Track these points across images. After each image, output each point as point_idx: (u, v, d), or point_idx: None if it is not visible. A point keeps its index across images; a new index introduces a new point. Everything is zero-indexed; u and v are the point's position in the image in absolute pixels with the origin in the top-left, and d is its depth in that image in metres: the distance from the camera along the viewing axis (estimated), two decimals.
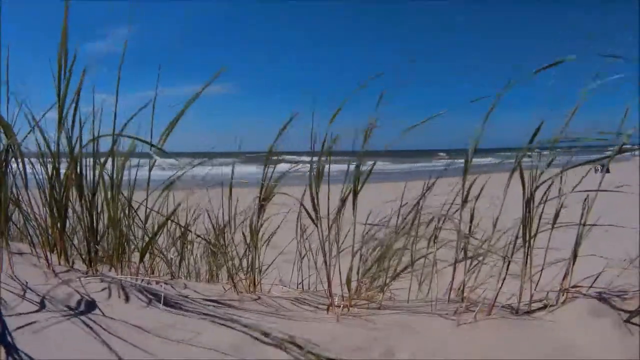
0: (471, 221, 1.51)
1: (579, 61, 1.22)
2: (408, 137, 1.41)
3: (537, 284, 1.40)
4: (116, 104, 1.47)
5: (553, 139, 1.29)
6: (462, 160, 1.38)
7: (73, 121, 1.48)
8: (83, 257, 1.59)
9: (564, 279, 1.35)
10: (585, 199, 1.33)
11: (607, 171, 1.32)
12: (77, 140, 1.49)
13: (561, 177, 1.31)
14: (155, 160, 1.42)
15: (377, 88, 1.42)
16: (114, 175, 1.52)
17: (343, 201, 1.50)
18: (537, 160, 1.33)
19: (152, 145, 1.34)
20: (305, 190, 1.50)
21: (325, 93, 1.48)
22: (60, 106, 1.44)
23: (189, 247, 2.12)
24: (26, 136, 1.47)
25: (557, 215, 1.35)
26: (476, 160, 1.40)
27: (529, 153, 1.32)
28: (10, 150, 1.39)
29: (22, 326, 1.02)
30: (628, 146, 1.23)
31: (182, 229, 2.05)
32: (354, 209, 1.49)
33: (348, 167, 1.48)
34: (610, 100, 1.28)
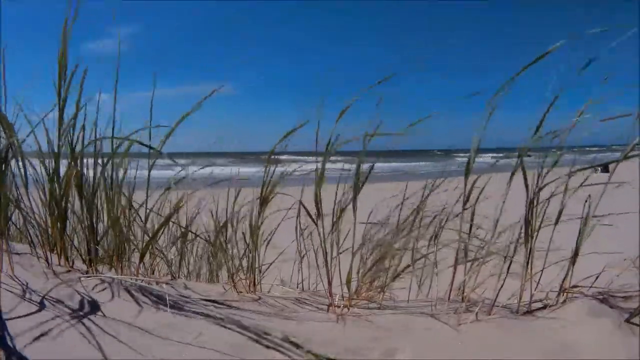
0: (472, 221, 1.51)
1: (583, 61, 1.22)
2: (411, 137, 1.40)
3: (538, 283, 1.39)
4: (114, 105, 1.48)
5: (559, 146, 1.29)
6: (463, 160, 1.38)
7: (74, 121, 1.48)
8: (83, 257, 1.59)
9: (564, 279, 1.35)
10: (587, 200, 1.33)
11: (607, 171, 1.31)
12: (77, 141, 1.50)
13: (568, 179, 1.31)
14: (154, 161, 1.43)
15: (379, 87, 1.42)
16: (114, 175, 1.52)
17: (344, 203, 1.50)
18: (541, 160, 1.32)
19: (150, 148, 1.34)
20: (303, 191, 1.50)
21: (326, 92, 1.47)
22: (61, 106, 1.44)
23: (189, 247, 2.12)
24: (27, 136, 1.47)
25: (559, 216, 1.35)
26: (478, 160, 1.39)
27: (530, 153, 1.32)
28: (10, 149, 1.39)
29: (22, 327, 1.02)
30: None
31: (182, 229, 2.05)
32: (354, 209, 1.49)
33: (352, 166, 1.48)
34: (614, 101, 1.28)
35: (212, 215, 1.94)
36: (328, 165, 1.46)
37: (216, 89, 1.42)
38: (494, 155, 1.41)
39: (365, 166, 1.49)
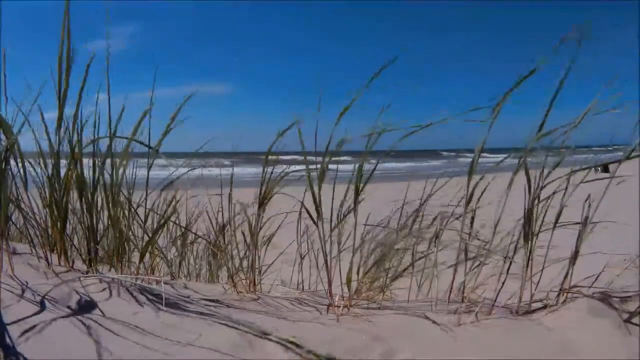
0: (472, 222, 1.51)
1: (586, 61, 1.22)
2: (412, 137, 1.40)
3: (538, 283, 1.39)
4: (109, 106, 1.47)
5: (560, 146, 1.29)
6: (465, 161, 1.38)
7: (74, 122, 1.48)
8: (83, 257, 1.59)
9: (564, 279, 1.35)
10: (587, 199, 1.33)
11: (607, 171, 1.31)
12: (77, 141, 1.49)
13: (568, 179, 1.31)
14: (153, 161, 1.43)
15: (379, 85, 1.41)
16: (114, 175, 1.52)
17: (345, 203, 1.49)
18: (542, 160, 1.32)
19: (149, 147, 1.34)
20: (306, 191, 1.50)
21: (326, 92, 1.47)
22: (60, 106, 1.44)
23: (189, 247, 2.12)
24: (20, 132, 1.47)
25: (559, 215, 1.35)
26: (489, 160, 1.39)
27: (534, 154, 1.31)
28: (10, 150, 1.39)
29: (22, 326, 1.02)
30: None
31: (182, 229, 2.05)
32: (355, 209, 1.49)
33: (354, 167, 1.47)
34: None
35: (212, 216, 1.94)
36: (332, 165, 1.45)
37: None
38: (505, 155, 1.41)
39: (368, 166, 1.49)
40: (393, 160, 21.94)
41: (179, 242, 2.07)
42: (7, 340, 0.95)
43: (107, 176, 1.53)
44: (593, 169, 1.33)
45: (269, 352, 1.07)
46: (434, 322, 1.27)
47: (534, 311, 1.32)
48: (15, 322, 1.03)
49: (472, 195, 1.40)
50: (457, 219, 1.56)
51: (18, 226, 1.85)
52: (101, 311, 1.17)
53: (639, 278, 1.39)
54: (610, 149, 1.47)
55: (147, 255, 1.74)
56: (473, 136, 1.36)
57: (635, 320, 1.17)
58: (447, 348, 1.14)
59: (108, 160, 1.52)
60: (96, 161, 1.53)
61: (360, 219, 1.51)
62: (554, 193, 1.33)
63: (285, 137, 1.50)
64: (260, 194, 1.62)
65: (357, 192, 1.48)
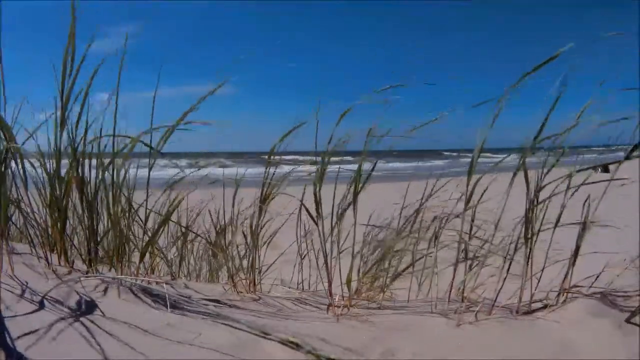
0: (472, 221, 1.51)
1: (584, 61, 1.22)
2: (415, 137, 1.40)
3: (538, 283, 1.39)
4: (116, 107, 1.47)
5: (559, 146, 1.29)
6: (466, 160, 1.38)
7: (77, 122, 1.48)
8: (83, 257, 1.59)
9: (564, 279, 1.35)
10: (587, 200, 1.33)
11: (607, 171, 1.31)
12: (79, 141, 1.49)
13: (569, 180, 1.31)
14: (154, 161, 1.43)
15: (378, 86, 1.42)
16: (114, 176, 1.52)
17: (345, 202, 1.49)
18: (541, 160, 1.32)
19: (151, 148, 1.34)
20: (305, 191, 1.50)
21: (327, 92, 1.47)
22: (63, 106, 1.44)
23: (189, 246, 2.13)
24: (26, 140, 1.47)
25: (559, 216, 1.35)
26: (481, 160, 1.39)
27: (533, 153, 1.31)
28: (10, 150, 1.38)
29: (22, 327, 1.02)
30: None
31: (183, 229, 2.05)
32: (354, 209, 1.49)
33: (358, 167, 1.48)
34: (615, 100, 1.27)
35: (213, 216, 1.94)
36: (335, 167, 1.45)
37: (221, 84, 1.40)
38: (506, 155, 1.41)
39: (368, 166, 1.49)
40: (397, 160, 22.45)
41: (179, 242, 2.07)
42: (7, 340, 0.95)
43: (108, 176, 1.53)
44: (593, 169, 1.33)
45: (269, 352, 1.07)
46: (434, 322, 1.27)
47: (534, 311, 1.32)
48: (15, 322, 1.03)
49: (471, 194, 1.40)
50: (456, 217, 1.56)
51: (18, 226, 1.85)
52: (101, 311, 1.17)
53: (639, 278, 1.39)
54: (613, 148, 1.47)
55: (147, 255, 1.74)
56: (474, 136, 1.36)
57: (635, 320, 1.17)
58: (447, 348, 1.14)
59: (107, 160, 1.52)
60: (97, 161, 1.53)
61: (362, 218, 1.51)
62: (550, 196, 1.33)
63: (286, 137, 1.50)
64: (261, 194, 1.62)
65: (356, 193, 1.48)
